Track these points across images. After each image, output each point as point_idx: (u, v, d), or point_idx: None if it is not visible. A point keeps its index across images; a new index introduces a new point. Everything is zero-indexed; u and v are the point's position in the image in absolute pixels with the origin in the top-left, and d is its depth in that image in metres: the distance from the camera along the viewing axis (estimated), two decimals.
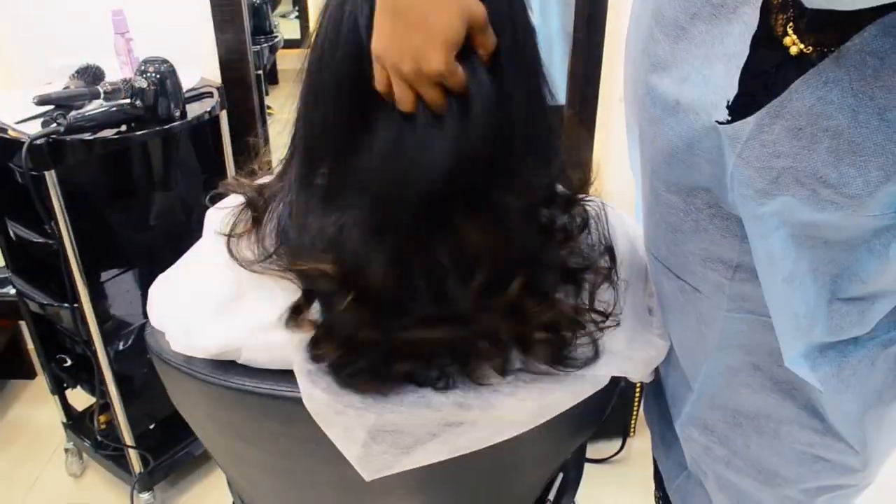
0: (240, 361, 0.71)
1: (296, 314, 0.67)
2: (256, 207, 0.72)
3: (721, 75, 0.58)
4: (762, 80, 0.56)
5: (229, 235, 0.71)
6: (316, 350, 0.67)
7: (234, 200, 0.74)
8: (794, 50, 0.54)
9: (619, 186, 1.90)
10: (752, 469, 0.77)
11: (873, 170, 0.53)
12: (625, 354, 0.74)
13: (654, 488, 1.05)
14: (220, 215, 0.73)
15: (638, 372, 0.76)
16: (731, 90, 0.57)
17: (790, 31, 0.54)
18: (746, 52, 0.56)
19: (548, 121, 0.69)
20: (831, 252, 0.61)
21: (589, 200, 0.73)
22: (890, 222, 0.56)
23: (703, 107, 0.60)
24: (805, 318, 0.63)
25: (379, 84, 0.62)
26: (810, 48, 0.53)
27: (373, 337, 0.65)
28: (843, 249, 0.60)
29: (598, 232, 0.73)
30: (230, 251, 0.70)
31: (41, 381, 2.07)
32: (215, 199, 0.79)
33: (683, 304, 0.75)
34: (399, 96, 0.61)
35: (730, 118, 0.57)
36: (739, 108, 0.57)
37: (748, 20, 0.56)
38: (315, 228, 0.66)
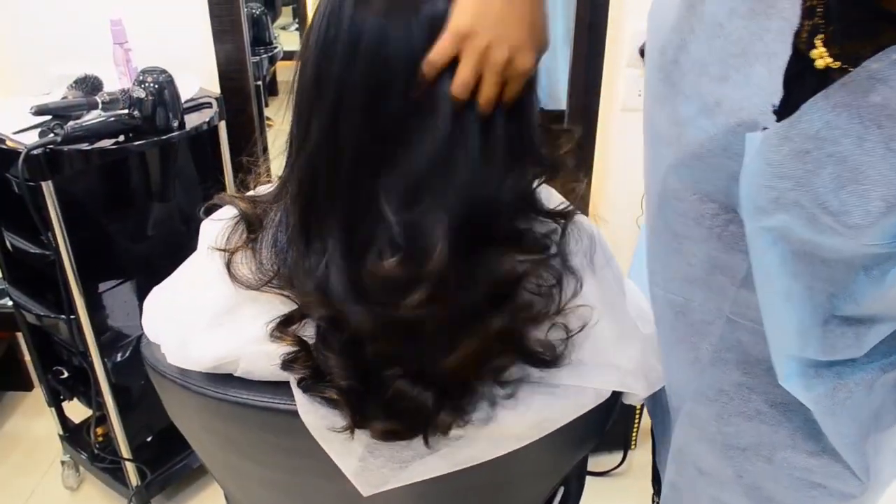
0: (236, 374, 0.70)
1: (285, 325, 0.66)
2: (251, 221, 0.71)
3: (763, 76, 0.56)
4: (785, 89, 0.55)
5: (225, 251, 0.70)
6: (288, 364, 0.66)
7: (229, 212, 0.73)
8: (820, 63, 0.53)
9: (619, 195, 1.89)
10: (746, 497, 0.76)
11: (875, 199, 0.52)
12: (626, 368, 0.73)
13: (652, 493, 1.04)
14: (215, 228, 0.72)
15: (640, 388, 0.76)
16: (776, 93, 0.55)
17: (818, 43, 0.53)
18: (788, 51, 0.54)
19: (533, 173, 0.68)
20: (829, 270, 0.60)
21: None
22: (889, 251, 0.55)
23: (748, 109, 0.58)
24: (798, 336, 0.62)
25: (438, 55, 0.58)
26: (837, 63, 0.52)
27: (347, 384, 0.64)
28: (841, 269, 0.59)
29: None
30: (228, 268, 0.69)
31: (38, 393, 2.05)
32: (210, 211, 0.78)
33: (672, 320, 0.74)
34: (464, 79, 0.58)
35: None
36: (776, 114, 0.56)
37: (788, 16, 0.54)
38: (313, 263, 0.64)
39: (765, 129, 0.56)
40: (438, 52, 0.58)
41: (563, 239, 0.68)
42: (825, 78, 0.52)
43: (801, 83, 0.54)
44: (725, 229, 0.65)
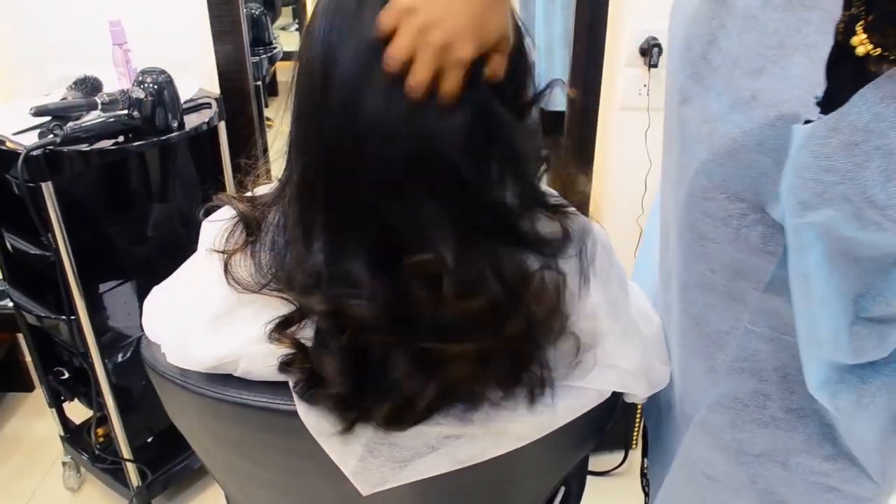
0: (236, 374, 0.70)
1: (283, 327, 0.66)
2: (249, 223, 0.71)
3: (804, 67, 0.55)
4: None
5: (224, 252, 0.70)
6: (285, 366, 0.66)
7: (228, 213, 0.73)
8: (860, 50, 0.52)
9: (620, 195, 1.89)
10: (760, 503, 0.76)
11: None
12: (627, 369, 0.73)
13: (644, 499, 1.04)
14: (214, 228, 0.72)
15: (641, 389, 0.76)
16: (819, 85, 0.54)
17: (859, 29, 0.52)
18: (829, 42, 0.53)
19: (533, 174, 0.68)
20: (859, 270, 0.59)
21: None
22: None
23: (788, 101, 0.57)
24: (832, 339, 0.62)
25: (381, 26, 0.58)
26: (878, 50, 0.51)
27: (343, 389, 0.64)
28: (872, 269, 0.59)
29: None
30: (226, 270, 0.69)
31: (39, 394, 2.05)
32: (209, 213, 0.78)
33: (688, 329, 0.73)
34: (396, 50, 0.57)
35: (823, 116, 0.54)
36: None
37: (829, 6, 0.53)
38: (313, 262, 0.64)
39: (808, 121, 0.55)
40: (381, 23, 0.58)
41: (576, 242, 0.68)
42: (863, 66, 0.52)
43: (837, 72, 0.53)
44: (753, 230, 0.64)
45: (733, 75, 0.61)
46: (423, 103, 0.59)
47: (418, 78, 0.58)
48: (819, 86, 0.54)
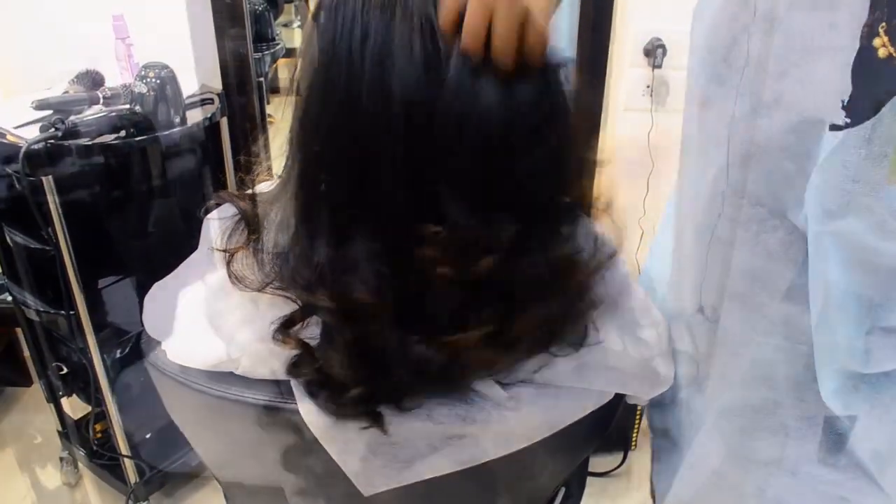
0: (237, 372, 0.70)
1: (286, 327, 0.65)
2: (251, 220, 0.70)
3: (829, 71, 0.54)
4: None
5: (226, 251, 0.69)
6: (293, 368, 0.65)
7: (230, 210, 0.73)
8: (882, 52, 0.51)
9: (621, 198, 1.89)
10: None
11: None
12: (629, 371, 0.73)
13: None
14: (216, 226, 0.72)
15: (643, 391, 0.76)
16: (845, 89, 0.53)
17: (881, 31, 0.51)
18: (855, 46, 0.52)
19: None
20: (878, 279, 0.59)
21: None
22: None
23: (812, 106, 0.56)
24: (847, 347, 0.61)
25: (447, 12, 0.55)
26: None
27: (355, 389, 0.64)
28: (891, 279, 0.58)
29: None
30: (228, 268, 0.68)
31: (37, 389, 2.05)
32: (210, 211, 0.77)
33: (703, 333, 0.73)
34: (473, 26, 0.54)
35: (848, 121, 0.53)
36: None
37: (855, 9, 0.52)
38: (318, 258, 0.63)
39: (833, 125, 0.54)
40: (445, 7, 0.55)
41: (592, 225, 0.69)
42: (884, 69, 0.51)
43: (858, 74, 0.53)
44: (773, 235, 0.63)
45: (756, 78, 0.61)
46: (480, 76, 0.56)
47: (502, 51, 0.55)
48: (845, 90, 0.54)
